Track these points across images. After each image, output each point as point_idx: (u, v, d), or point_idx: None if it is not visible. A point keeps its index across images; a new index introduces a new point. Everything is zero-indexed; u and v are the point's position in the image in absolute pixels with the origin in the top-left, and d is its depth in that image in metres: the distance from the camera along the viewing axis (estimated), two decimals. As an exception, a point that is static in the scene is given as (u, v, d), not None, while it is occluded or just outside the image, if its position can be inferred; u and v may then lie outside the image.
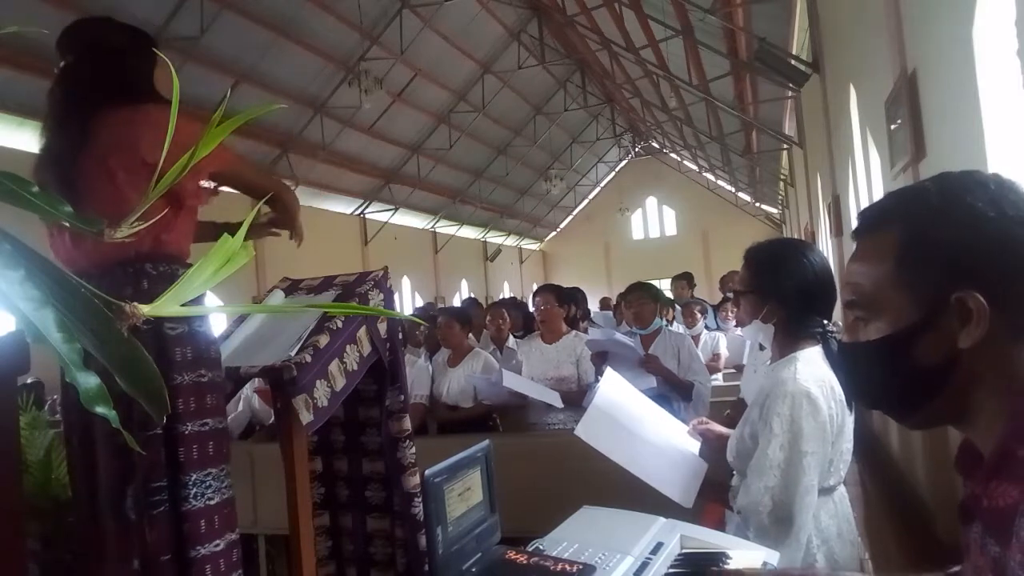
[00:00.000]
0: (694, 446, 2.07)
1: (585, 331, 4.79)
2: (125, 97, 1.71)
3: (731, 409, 3.37)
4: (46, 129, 1.77)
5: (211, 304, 1.86)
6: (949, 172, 0.81)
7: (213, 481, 1.65)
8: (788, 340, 1.75)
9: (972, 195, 0.76)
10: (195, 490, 1.61)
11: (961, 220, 0.75)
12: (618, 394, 2.19)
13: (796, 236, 11.79)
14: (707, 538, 1.58)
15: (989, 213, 0.74)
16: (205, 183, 1.80)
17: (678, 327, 5.59)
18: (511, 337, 5.14)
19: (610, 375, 2.29)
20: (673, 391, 3.77)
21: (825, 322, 1.68)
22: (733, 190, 24.63)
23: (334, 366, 1.79)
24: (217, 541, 1.63)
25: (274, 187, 1.98)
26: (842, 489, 1.77)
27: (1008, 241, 0.73)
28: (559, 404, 3.73)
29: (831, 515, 1.71)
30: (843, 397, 1.65)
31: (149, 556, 1.55)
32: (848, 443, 1.73)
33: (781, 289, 1.73)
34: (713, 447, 2.02)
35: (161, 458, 1.58)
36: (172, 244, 1.72)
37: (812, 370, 1.67)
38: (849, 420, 1.72)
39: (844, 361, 0.89)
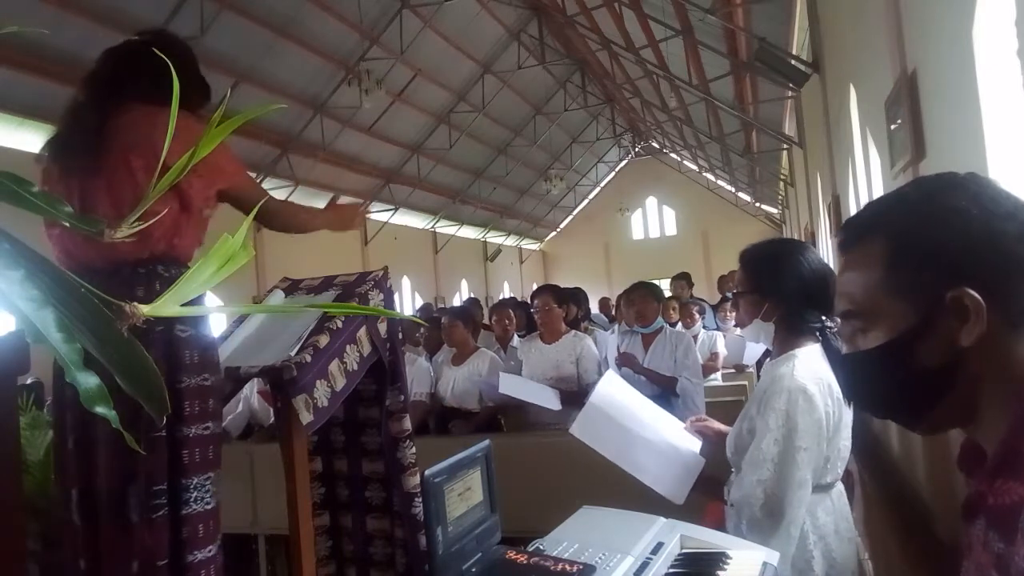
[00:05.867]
0: (694, 444, 2.08)
1: (586, 331, 4.78)
2: (148, 96, 1.71)
3: None
4: (65, 119, 1.77)
5: (211, 304, 1.86)
6: (925, 176, 0.82)
7: (211, 486, 1.65)
8: (787, 338, 1.77)
9: (953, 195, 0.76)
10: (196, 494, 1.61)
11: (945, 219, 0.75)
12: (616, 392, 2.20)
13: (796, 236, 11.79)
14: (707, 538, 1.58)
15: (972, 210, 0.74)
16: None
17: (681, 327, 5.59)
18: (515, 337, 5.13)
19: (610, 375, 2.30)
20: (657, 387, 3.88)
21: (824, 318, 1.69)
22: (733, 190, 24.60)
23: (334, 366, 1.79)
24: (210, 547, 1.63)
25: (304, 218, 2.04)
26: (840, 486, 1.78)
27: (994, 236, 0.73)
28: (556, 407, 3.74)
29: (828, 512, 1.72)
30: (840, 395, 1.66)
31: (146, 560, 1.55)
32: (846, 440, 1.74)
33: (778, 287, 1.75)
34: (713, 444, 2.03)
35: (164, 461, 1.58)
36: (183, 249, 1.73)
37: (810, 367, 1.68)
38: (847, 417, 1.73)
39: (847, 372, 0.87)
